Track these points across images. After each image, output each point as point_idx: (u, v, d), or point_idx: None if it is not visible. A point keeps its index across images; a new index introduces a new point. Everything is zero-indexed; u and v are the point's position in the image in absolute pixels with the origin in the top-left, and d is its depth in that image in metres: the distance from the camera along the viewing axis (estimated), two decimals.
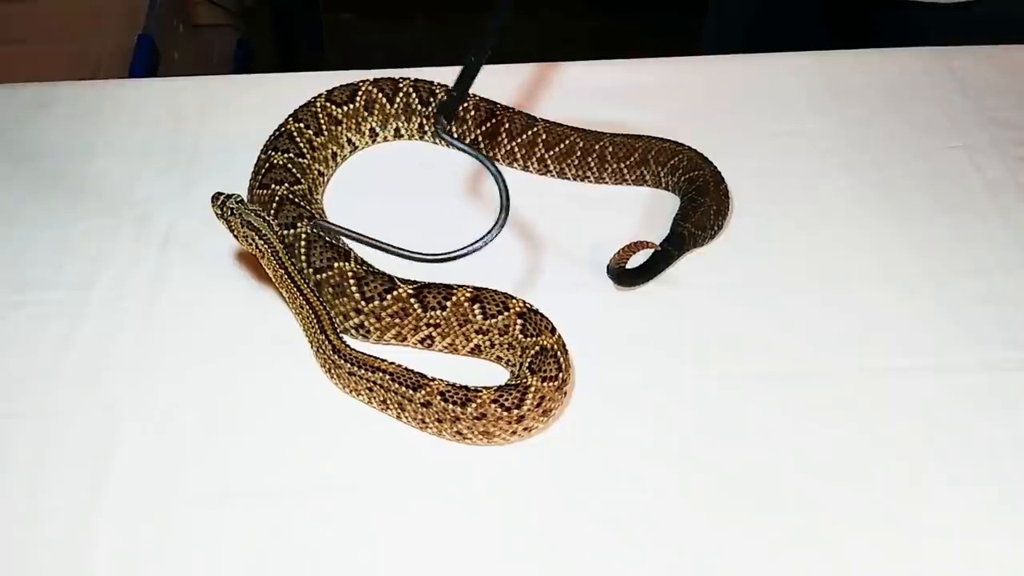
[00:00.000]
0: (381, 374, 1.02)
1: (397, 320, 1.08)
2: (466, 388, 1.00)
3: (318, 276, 1.11)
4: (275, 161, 1.21)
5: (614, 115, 1.34)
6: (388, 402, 1.02)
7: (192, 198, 1.24)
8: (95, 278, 1.16)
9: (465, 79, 1.17)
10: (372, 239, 1.08)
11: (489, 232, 1.04)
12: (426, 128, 1.33)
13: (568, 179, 1.30)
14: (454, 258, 1.04)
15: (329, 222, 1.11)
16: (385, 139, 1.35)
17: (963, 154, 1.32)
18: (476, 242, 1.04)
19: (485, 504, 0.96)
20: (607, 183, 1.29)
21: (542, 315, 1.07)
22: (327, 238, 1.12)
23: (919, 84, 1.42)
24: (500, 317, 1.06)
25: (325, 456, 1.00)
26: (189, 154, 1.31)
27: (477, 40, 1.15)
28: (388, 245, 1.07)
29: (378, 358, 1.04)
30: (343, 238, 1.12)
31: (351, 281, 1.09)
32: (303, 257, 1.12)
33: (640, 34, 2.85)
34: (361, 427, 1.03)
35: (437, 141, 1.31)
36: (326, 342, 1.05)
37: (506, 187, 1.06)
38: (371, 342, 1.10)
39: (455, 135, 1.31)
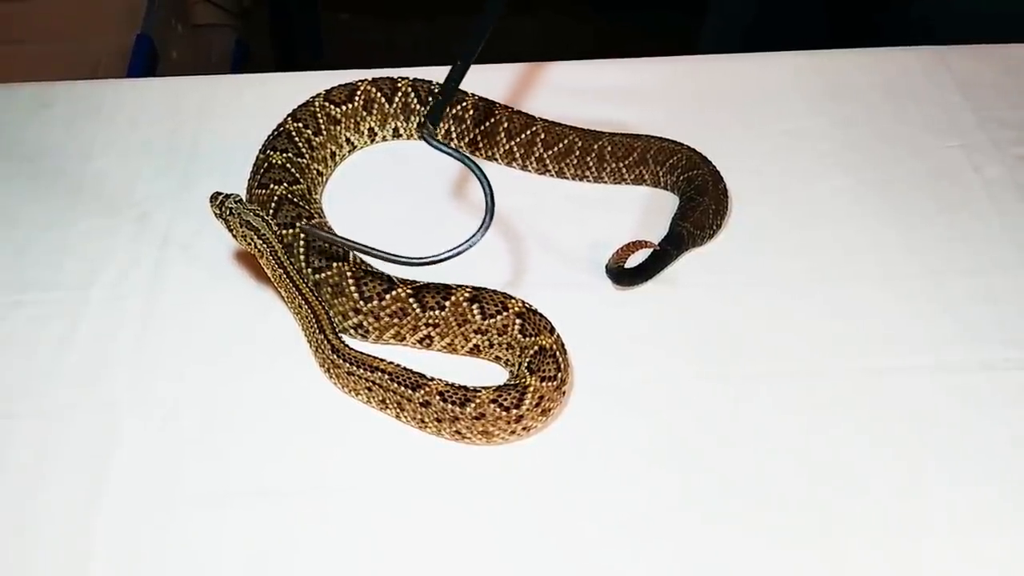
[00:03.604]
0: (380, 374, 1.02)
1: (396, 320, 1.08)
2: (465, 388, 1.00)
3: (317, 276, 1.11)
4: (274, 161, 1.21)
5: (613, 115, 1.34)
6: (387, 402, 1.02)
7: (191, 198, 1.24)
8: (95, 278, 1.16)
9: (452, 83, 1.17)
10: (357, 243, 1.08)
11: (474, 235, 1.04)
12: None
13: (567, 178, 1.30)
14: (439, 261, 1.04)
15: (318, 227, 1.11)
16: (384, 139, 1.35)
17: (961, 153, 1.32)
18: (461, 245, 1.04)
19: (484, 504, 0.96)
20: (606, 182, 1.30)
21: (541, 315, 1.07)
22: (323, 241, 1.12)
23: (918, 83, 1.42)
24: (499, 317, 1.06)
25: (324, 456, 1.00)
26: (188, 154, 1.32)
27: (466, 43, 1.14)
28: (374, 249, 1.06)
29: (377, 358, 1.04)
30: (337, 239, 1.12)
31: (350, 281, 1.09)
32: (302, 257, 1.12)
33: (640, 34, 2.85)
34: (360, 427, 1.03)
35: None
36: (325, 342, 1.05)
37: (491, 190, 1.06)
38: (370, 342, 1.10)
39: (443, 138, 1.31)
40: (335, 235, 1.10)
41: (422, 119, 1.15)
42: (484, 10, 1.13)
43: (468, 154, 1.11)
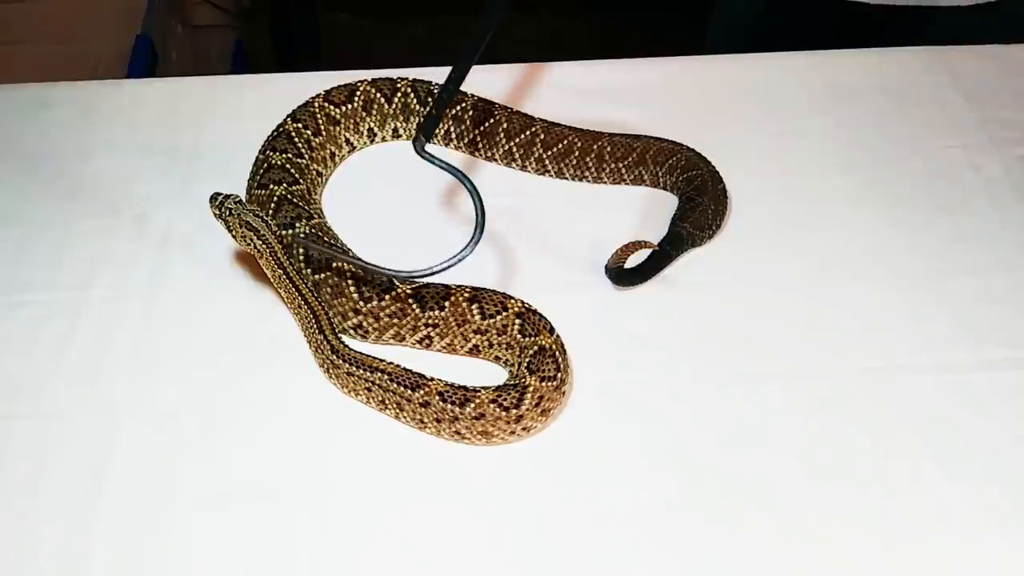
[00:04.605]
0: (380, 374, 1.02)
1: (395, 320, 1.08)
2: (464, 388, 1.00)
3: (316, 276, 1.11)
4: (273, 161, 1.21)
5: (613, 115, 1.34)
6: (387, 402, 1.02)
7: (191, 198, 1.24)
8: (94, 278, 1.16)
9: (444, 97, 1.17)
10: (354, 259, 1.08)
11: (463, 249, 1.04)
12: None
13: (566, 179, 1.30)
14: (430, 275, 1.05)
15: (315, 242, 1.11)
16: (383, 139, 1.35)
17: (962, 154, 1.32)
18: (451, 258, 1.04)
19: (484, 504, 0.96)
20: (605, 183, 1.29)
21: (540, 315, 1.07)
22: (322, 243, 1.12)
23: (918, 84, 1.42)
24: (498, 317, 1.06)
25: (324, 456, 1.00)
26: (187, 154, 1.31)
27: (460, 61, 1.15)
28: (369, 264, 1.06)
29: (377, 358, 1.04)
30: (336, 243, 1.13)
31: (349, 281, 1.09)
32: (301, 257, 1.12)
33: (640, 34, 2.85)
34: (360, 427, 1.03)
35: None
36: (325, 342, 1.05)
37: (482, 205, 1.07)
38: (370, 342, 1.10)
39: (442, 139, 1.31)
40: (326, 247, 1.10)
41: (414, 132, 1.15)
42: (481, 19, 1.13)
43: (459, 168, 1.11)
